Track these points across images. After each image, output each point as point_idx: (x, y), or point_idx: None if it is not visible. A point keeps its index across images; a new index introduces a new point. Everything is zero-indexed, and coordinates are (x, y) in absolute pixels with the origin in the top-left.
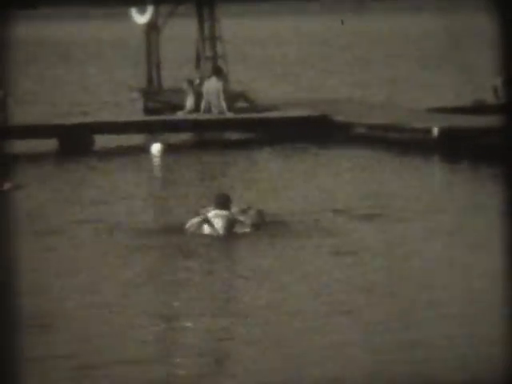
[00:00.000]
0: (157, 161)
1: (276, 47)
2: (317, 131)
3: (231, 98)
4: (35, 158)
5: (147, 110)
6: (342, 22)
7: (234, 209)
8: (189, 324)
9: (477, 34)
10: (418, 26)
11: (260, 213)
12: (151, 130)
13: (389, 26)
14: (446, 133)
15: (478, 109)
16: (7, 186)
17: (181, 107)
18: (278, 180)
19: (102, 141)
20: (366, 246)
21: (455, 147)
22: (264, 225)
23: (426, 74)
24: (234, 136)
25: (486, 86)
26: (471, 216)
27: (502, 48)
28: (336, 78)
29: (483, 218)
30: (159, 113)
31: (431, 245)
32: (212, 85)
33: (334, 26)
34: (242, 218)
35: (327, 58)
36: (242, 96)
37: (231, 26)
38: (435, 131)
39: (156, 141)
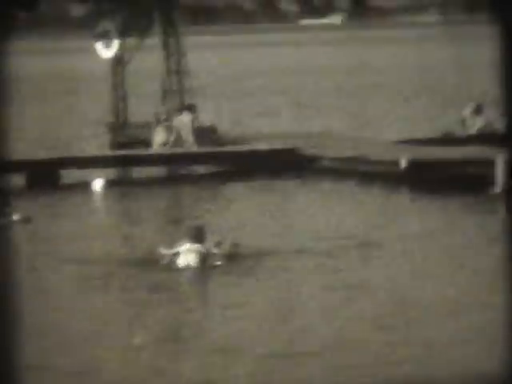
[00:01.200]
0: (99, 197)
1: (248, 79)
2: (286, 164)
3: (200, 132)
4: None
5: (113, 145)
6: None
7: (208, 241)
8: (162, 362)
9: (451, 66)
10: (395, 58)
11: (234, 245)
12: (118, 164)
13: (365, 58)
14: (413, 164)
15: (446, 140)
16: (16, 216)
17: (148, 141)
18: (249, 213)
19: (69, 176)
20: (344, 279)
21: (423, 178)
22: (239, 257)
23: (399, 105)
24: (203, 170)
25: (455, 117)
26: (442, 245)
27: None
28: (309, 111)
29: (454, 245)
30: (126, 147)
31: (409, 273)
32: (183, 119)
33: (309, 58)
34: (215, 251)
35: (301, 89)
36: (211, 130)
37: (201, 59)
38: (403, 163)
39: (121, 175)
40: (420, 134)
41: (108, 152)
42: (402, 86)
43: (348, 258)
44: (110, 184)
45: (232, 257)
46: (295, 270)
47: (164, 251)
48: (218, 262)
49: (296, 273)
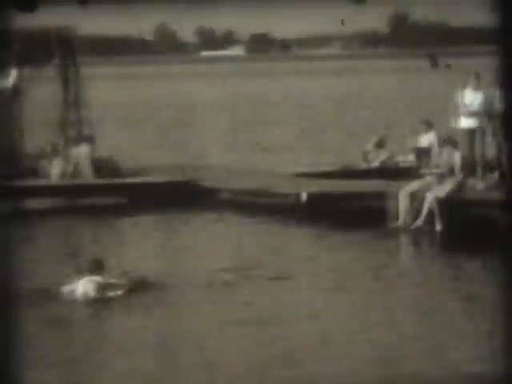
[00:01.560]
0: None
1: (147, 111)
2: (185, 196)
3: (98, 163)
4: None
5: (8, 175)
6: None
7: (109, 273)
8: None
9: (357, 99)
10: (299, 90)
11: (135, 277)
12: (13, 195)
13: (267, 90)
14: (314, 198)
15: (348, 173)
16: None
17: (45, 172)
18: (149, 245)
19: None
20: (247, 312)
21: (323, 211)
22: (140, 289)
23: (302, 138)
24: (102, 201)
25: (358, 150)
26: (343, 278)
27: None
28: (210, 142)
29: (356, 278)
30: (21, 178)
31: (315, 305)
32: (81, 150)
33: (210, 90)
34: (114, 282)
35: (201, 121)
36: (109, 161)
37: (100, 89)
38: (303, 196)
39: (17, 206)
40: (322, 167)
41: (2, 183)
42: (306, 118)
43: (249, 291)
44: (4, 216)
45: (133, 289)
46: (196, 303)
47: (62, 285)
48: (117, 293)
49: (197, 306)
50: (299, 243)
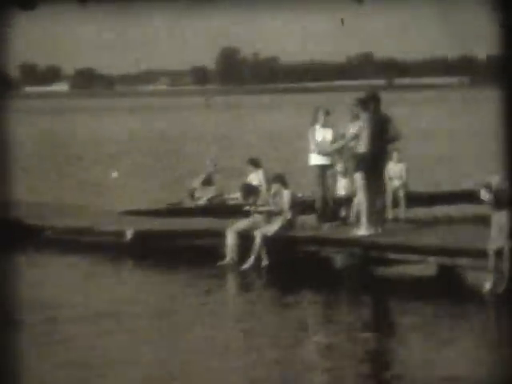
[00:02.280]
0: None
1: None
2: (8, 235)
3: None
4: None
5: None
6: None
7: None
8: None
9: (187, 135)
10: (128, 127)
11: None
12: None
13: (97, 127)
14: (139, 236)
15: (174, 211)
16: None
17: None
18: None
19: None
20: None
21: (149, 250)
22: None
23: (129, 175)
24: None
25: (186, 187)
26: (164, 316)
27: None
28: (35, 179)
29: (176, 317)
30: None
31: (135, 347)
32: None
33: (38, 125)
34: None
35: (28, 158)
36: None
37: None
38: (129, 234)
39: None
40: (148, 205)
41: None
42: (131, 155)
43: (70, 332)
44: None
45: None
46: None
47: None
48: None
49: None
50: (123, 282)
